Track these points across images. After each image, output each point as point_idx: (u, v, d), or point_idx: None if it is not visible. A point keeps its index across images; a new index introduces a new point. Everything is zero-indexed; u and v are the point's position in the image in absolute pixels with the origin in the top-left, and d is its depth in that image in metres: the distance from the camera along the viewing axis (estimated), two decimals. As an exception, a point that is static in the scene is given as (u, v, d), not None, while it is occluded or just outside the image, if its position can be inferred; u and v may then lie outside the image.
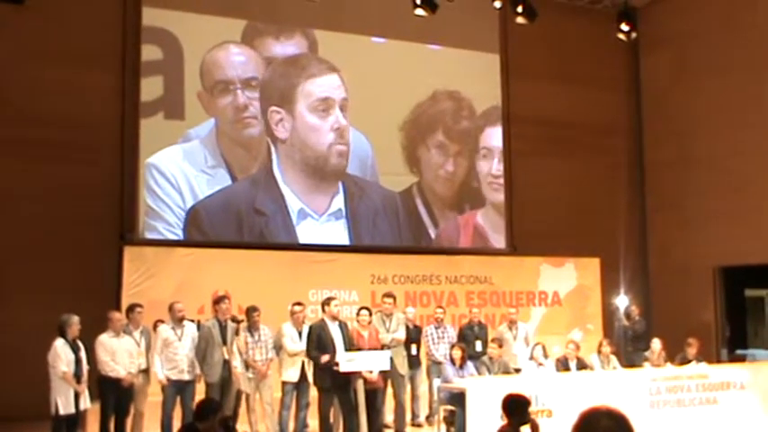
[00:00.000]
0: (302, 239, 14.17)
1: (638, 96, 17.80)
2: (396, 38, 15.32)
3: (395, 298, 11.21)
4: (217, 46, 13.93)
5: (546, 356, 11.09)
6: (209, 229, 13.53)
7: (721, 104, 15.88)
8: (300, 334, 9.97)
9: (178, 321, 9.70)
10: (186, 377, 9.55)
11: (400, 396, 10.71)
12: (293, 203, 14.13)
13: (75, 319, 8.81)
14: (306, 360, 9.87)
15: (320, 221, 14.33)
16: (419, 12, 13.27)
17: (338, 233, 14.48)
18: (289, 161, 14.15)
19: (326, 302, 9.95)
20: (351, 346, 9.63)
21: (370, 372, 9.64)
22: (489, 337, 11.60)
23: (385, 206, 14.99)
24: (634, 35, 14.59)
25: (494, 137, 16.18)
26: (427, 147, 15.49)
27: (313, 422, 9.84)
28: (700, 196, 16.15)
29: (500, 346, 10.87)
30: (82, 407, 8.74)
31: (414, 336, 11.08)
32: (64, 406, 8.54)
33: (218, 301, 9.86)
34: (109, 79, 13.16)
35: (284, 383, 10.01)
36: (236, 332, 9.73)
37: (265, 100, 14.13)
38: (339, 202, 14.55)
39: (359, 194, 14.72)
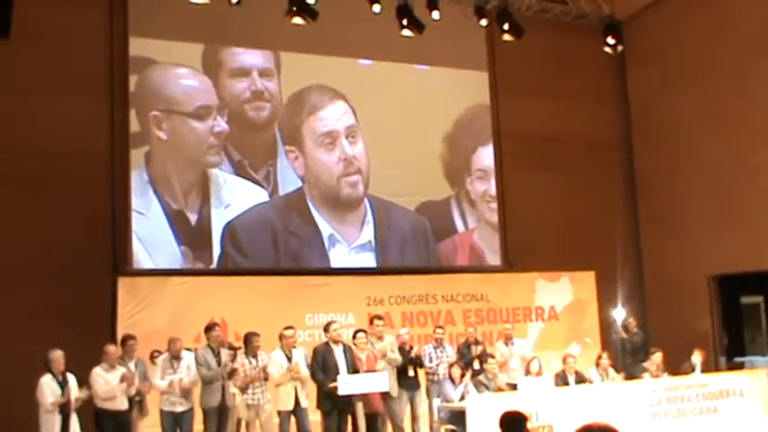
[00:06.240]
0: (334, 265, 14.50)
1: (626, 108, 17.89)
2: (383, 59, 15.35)
3: (383, 320, 11.41)
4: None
5: (540, 372, 11.09)
6: (247, 247, 13.79)
7: (708, 113, 15.98)
8: (290, 359, 9.91)
9: (175, 357, 9.78)
10: (179, 408, 9.59)
11: (394, 418, 10.67)
12: (324, 229, 14.43)
13: (59, 353, 8.88)
14: (299, 386, 9.81)
15: (349, 251, 14.59)
16: (406, 32, 13.40)
17: (367, 263, 14.83)
18: (309, 195, 14.44)
19: (327, 327, 10.12)
20: (354, 369, 9.65)
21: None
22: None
23: (415, 233, 15.29)
24: (620, 48, 14.73)
25: (486, 156, 16.24)
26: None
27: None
28: (692, 206, 16.21)
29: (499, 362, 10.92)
30: None
31: (409, 357, 11.05)
32: None
33: (208, 329, 9.94)
34: (98, 110, 13.17)
35: (279, 412, 9.92)
36: (233, 359, 9.68)
37: (282, 138, 14.39)
38: (369, 233, 14.80)
39: (388, 223, 14.97)
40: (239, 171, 13.98)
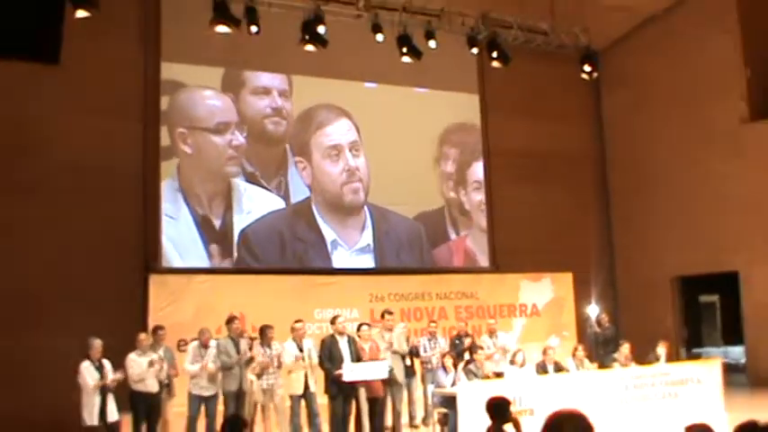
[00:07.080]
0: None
1: (600, 128, 18.17)
2: (385, 82, 15.58)
3: (393, 314, 11.59)
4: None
5: (524, 363, 11.21)
6: (258, 251, 14.06)
7: (671, 132, 16.51)
8: (301, 348, 10.04)
9: (204, 345, 9.94)
10: (205, 393, 9.75)
11: (396, 401, 10.80)
12: (328, 235, 14.69)
13: (98, 342, 9.14)
14: (309, 372, 9.92)
15: (350, 253, 14.86)
16: (406, 59, 13.62)
17: (366, 264, 15.07)
18: (315, 202, 14.73)
19: (333, 320, 10.38)
20: (358, 358, 9.80)
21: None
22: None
23: (410, 238, 15.51)
24: (595, 75, 14.96)
25: (481, 170, 16.52)
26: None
27: (326, 426, 10.02)
28: (657, 214, 16.65)
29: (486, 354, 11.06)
30: (110, 419, 9.03)
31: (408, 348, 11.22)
32: (88, 418, 8.90)
33: (229, 321, 10.19)
34: (133, 128, 13.47)
35: (290, 396, 10.06)
36: (250, 348, 9.83)
37: (292, 151, 14.68)
38: (368, 237, 15.10)
39: (385, 229, 15.24)
40: (251, 180, 14.23)
